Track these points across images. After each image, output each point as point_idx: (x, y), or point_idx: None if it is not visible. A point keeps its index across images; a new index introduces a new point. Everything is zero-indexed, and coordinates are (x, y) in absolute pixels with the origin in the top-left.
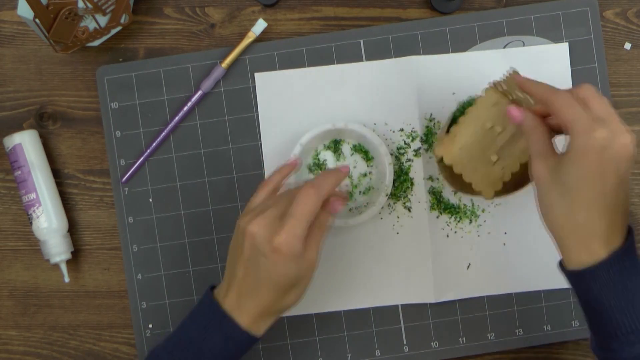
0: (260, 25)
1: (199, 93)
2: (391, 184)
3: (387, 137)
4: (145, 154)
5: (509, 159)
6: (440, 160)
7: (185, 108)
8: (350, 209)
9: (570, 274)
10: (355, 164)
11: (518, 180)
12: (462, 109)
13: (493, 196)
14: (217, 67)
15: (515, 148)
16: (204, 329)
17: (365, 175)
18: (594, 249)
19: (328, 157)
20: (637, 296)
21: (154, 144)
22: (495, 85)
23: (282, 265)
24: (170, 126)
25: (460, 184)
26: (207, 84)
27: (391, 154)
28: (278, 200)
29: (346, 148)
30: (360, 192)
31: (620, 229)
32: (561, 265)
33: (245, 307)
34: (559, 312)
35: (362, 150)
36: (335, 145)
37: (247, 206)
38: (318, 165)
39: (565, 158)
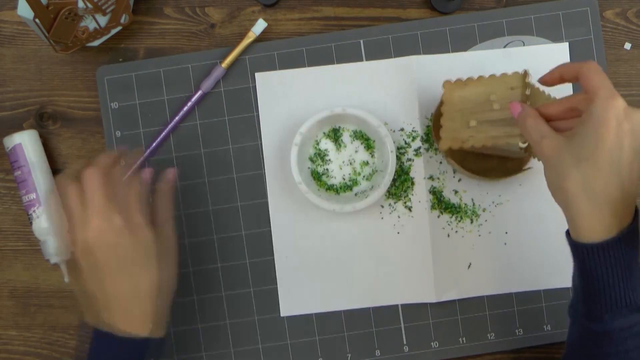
0: (260, 25)
1: (199, 93)
2: (394, 165)
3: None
4: (146, 153)
5: (482, 134)
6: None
7: (185, 108)
8: (356, 194)
9: (578, 246)
10: (356, 149)
11: (504, 168)
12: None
13: (446, 150)
14: (217, 67)
15: (495, 130)
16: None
17: (367, 163)
18: (607, 223)
19: (328, 145)
20: (635, 271)
21: (154, 144)
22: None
23: (114, 242)
24: (170, 126)
25: (462, 162)
26: (207, 84)
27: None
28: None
29: (346, 136)
30: (364, 177)
31: (631, 206)
32: (568, 235)
33: (133, 317)
34: (559, 312)
35: (363, 137)
36: (335, 134)
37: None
38: (319, 155)
39: (583, 127)
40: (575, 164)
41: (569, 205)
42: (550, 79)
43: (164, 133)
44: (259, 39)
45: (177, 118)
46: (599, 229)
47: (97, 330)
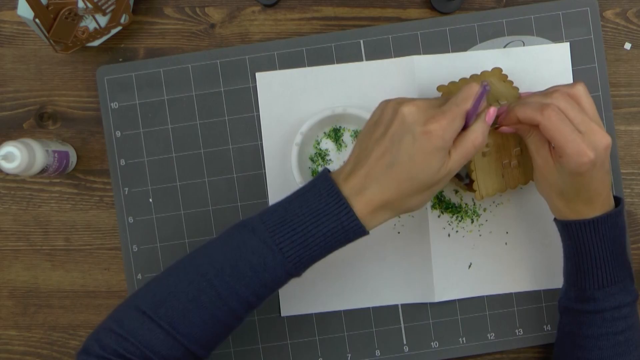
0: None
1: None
2: None
3: None
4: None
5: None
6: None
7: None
8: None
9: (570, 223)
10: None
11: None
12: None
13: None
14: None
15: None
16: (316, 213)
17: None
18: (589, 215)
19: (329, 145)
20: (622, 252)
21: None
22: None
23: (428, 153)
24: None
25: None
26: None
27: None
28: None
29: (346, 136)
30: None
31: (610, 196)
32: (556, 220)
33: (369, 192)
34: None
35: None
36: (336, 134)
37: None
38: (320, 155)
39: (561, 170)
40: (560, 193)
41: (555, 208)
42: (509, 122)
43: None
44: (259, 39)
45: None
46: (582, 216)
47: (332, 187)
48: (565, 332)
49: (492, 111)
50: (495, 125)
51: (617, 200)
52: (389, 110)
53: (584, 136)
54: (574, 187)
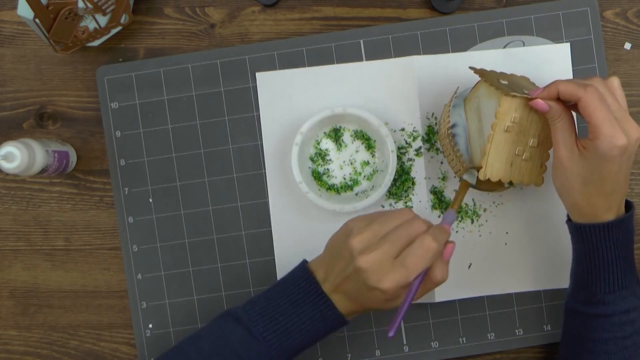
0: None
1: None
2: (395, 165)
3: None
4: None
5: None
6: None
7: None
8: (356, 194)
9: (585, 226)
10: (357, 149)
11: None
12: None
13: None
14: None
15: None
16: (296, 303)
17: (367, 163)
18: (604, 217)
19: (329, 145)
20: (632, 256)
21: None
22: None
23: (380, 302)
24: None
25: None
26: None
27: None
28: (396, 237)
29: (346, 136)
30: (364, 177)
31: (624, 198)
32: (569, 221)
33: (341, 300)
34: (559, 312)
35: (364, 137)
36: (336, 134)
37: (365, 220)
38: (320, 155)
39: (591, 156)
40: (583, 183)
41: (573, 203)
42: (548, 96)
43: None
44: (259, 39)
45: None
46: (598, 218)
47: (312, 281)
48: (571, 335)
49: (450, 248)
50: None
51: (627, 205)
52: (347, 250)
53: (618, 122)
54: (599, 177)
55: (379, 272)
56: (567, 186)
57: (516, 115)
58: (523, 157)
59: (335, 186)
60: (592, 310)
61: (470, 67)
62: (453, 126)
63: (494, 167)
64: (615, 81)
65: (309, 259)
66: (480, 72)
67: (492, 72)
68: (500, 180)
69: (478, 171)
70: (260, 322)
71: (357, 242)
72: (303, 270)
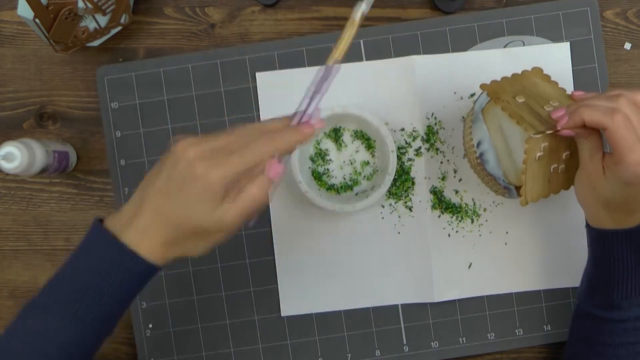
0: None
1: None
2: (395, 165)
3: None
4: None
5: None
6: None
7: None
8: (356, 194)
9: (606, 232)
10: (357, 149)
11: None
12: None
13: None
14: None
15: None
16: (98, 272)
17: (367, 162)
18: (625, 223)
19: (329, 145)
20: None
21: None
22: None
23: (195, 197)
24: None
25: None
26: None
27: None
28: (232, 136)
29: (347, 136)
30: (364, 177)
31: None
32: (589, 226)
33: (155, 233)
34: (559, 312)
35: (364, 137)
36: (336, 134)
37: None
38: (320, 155)
39: (612, 178)
40: (605, 201)
41: (594, 214)
42: (573, 125)
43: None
44: (259, 39)
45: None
46: (618, 225)
47: (110, 239)
48: (581, 337)
49: (277, 167)
50: (548, 129)
51: None
52: (170, 154)
53: None
54: (622, 197)
55: (207, 159)
56: (590, 201)
57: (545, 144)
58: (559, 171)
59: (335, 186)
60: (607, 314)
61: (482, 86)
62: (479, 144)
63: (533, 192)
64: None
65: (308, 257)
66: (494, 94)
67: (505, 82)
68: None
69: (516, 189)
70: (71, 305)
71: (183, 142)
72: (97, 232)
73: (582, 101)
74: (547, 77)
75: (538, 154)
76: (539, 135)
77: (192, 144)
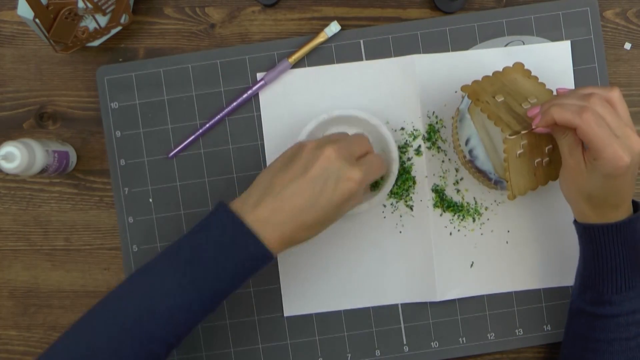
0: (334, 27)
1: (261, 83)
2: (397, 165)
3: None
4: (198, 133)
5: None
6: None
7: (245, 95)
8: None
9: (594, 227)
10: None
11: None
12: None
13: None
14: (283, 61)
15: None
16: (221, 247)
17: None
18: (612, 217)
19: None
20: (638, 257)
21: (207, 126)
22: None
23: (346, 199)
24: (226, 111)
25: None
26: (270, 76)
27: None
28: (349, 139)
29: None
30: None
31: (630, 200)
32: (576, 222)
33: (277, 226)
34: (559, 312)
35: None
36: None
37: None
38: None
39: (593, 172)
40: (589, 195)
41: (579, 209)
42: (546, 124)
43: (218, 117)
44: (259, 39)
45: (234, 104)
46: (605, 219)
47: (235, 219)
48: (576, 335)
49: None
50: (526, 127)
51: (635, 205)
52: (307, 151)
53: (620, 140)
54: (604, 191)
55: (347, 160)
56: (574, 195)
57: (524, 142)
58: (544, 164)
59: None
60: (599, 310)
61: (462, 88)
62: (468, 141)
63: (519, 186)
64: (615, 94)
65: (310, 257)
66: (473, 95)
67: (485, 81)
68: None
69: (506, 182)
70: (188, 272)
71: (313, 143)
72: (222, 210)
73: (556, 99)
74: (527, 72)
75: (519, 152)
76: (515, 137)
77: (334, 147)
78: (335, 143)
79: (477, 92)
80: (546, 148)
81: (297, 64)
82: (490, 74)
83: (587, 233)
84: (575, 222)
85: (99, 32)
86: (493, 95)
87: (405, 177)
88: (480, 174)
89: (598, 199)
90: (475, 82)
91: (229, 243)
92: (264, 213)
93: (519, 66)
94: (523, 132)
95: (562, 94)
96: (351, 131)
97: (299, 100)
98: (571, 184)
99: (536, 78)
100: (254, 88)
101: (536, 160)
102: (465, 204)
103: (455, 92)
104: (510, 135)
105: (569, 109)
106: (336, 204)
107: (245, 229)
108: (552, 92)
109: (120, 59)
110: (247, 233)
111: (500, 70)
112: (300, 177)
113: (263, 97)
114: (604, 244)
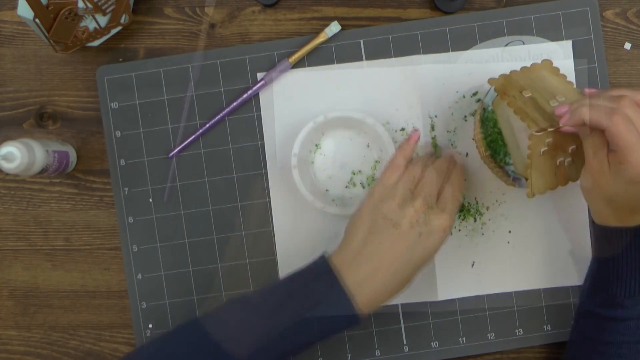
0: (334, 27)
1: (261, 83)
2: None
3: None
4: (198, 133)
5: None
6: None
7: (245, 95)
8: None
9: (613, 229)
10: (357, 150)
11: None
12: (488, 113)
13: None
14: (283, 61)
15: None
16: (312, 302)
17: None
18: (630, 221)
19: (329, 148)
20: None
21: (207, 126)
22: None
23: (439, 245)
24: (226, 111)
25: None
26: (271, 76)
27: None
28: (424, 181)
29: (346, 139)
30: (366, 178)
31: None
32: (593, 224)
33: (372, 289)
34: (559, 312)
35: (364, 138)
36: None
37: (379, 188)
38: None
39: (616, 175)
40: (610, 197)
41: (598, 210)
42: (574, 123)
43: (218, 117)
44: (259, 39)
45: (234, 104)
46: (623, 222)
47: (335, 281)
48: (583, 336)
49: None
50: (554, 126)
51: None
52: (390, 217)
53: None
54: (625, 195)
55: (425, 215)
56: (594, 197)
57: (549, 139)
58: (566, 164)
59: (337, 188)
60: (610, 312)
61: (489, 81)
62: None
63: (539, 184)
64: None
65: (311, 258)
66: (501, 89)
67: (513, 76)
68: None
69: (525, 180)
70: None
71: (404, 213)
72: (324, 267)
73: (586, 99)
74: (556, 70)
75: (543, 149)
76: (541, 133)
77: (419, 201)
78: (419, 197)
79: (505, 86)
80: (569, 148)
81: (297, 64)
82: (519, 70)
83: (605, 235)
84: (592, 223)
85: (99, 32)
86: (520, 91)
87: None
88: (500, 170)
89: (618, 203)
90: (503, 75)
91: (320, 299)
92: (362, 272)
93: (547, 63)
94: (550, 129)
95: (592, 94)
96: (351, 132)
97: (299, 100)
98: (592, 185)
99: (564, 76)
100: (254, 88)
101: (558, 160)
102: (467, 204)
103: (457, 92)
104: (536, 131)
105: (599, 110)
106: (428, 258)
107: (340, 289)
108: (579, 91)
109: (120, 59)
110: (341, 294)
111: (529, 66)
112: (391, 244)
113: (263, 97)
114: (620, 248)
